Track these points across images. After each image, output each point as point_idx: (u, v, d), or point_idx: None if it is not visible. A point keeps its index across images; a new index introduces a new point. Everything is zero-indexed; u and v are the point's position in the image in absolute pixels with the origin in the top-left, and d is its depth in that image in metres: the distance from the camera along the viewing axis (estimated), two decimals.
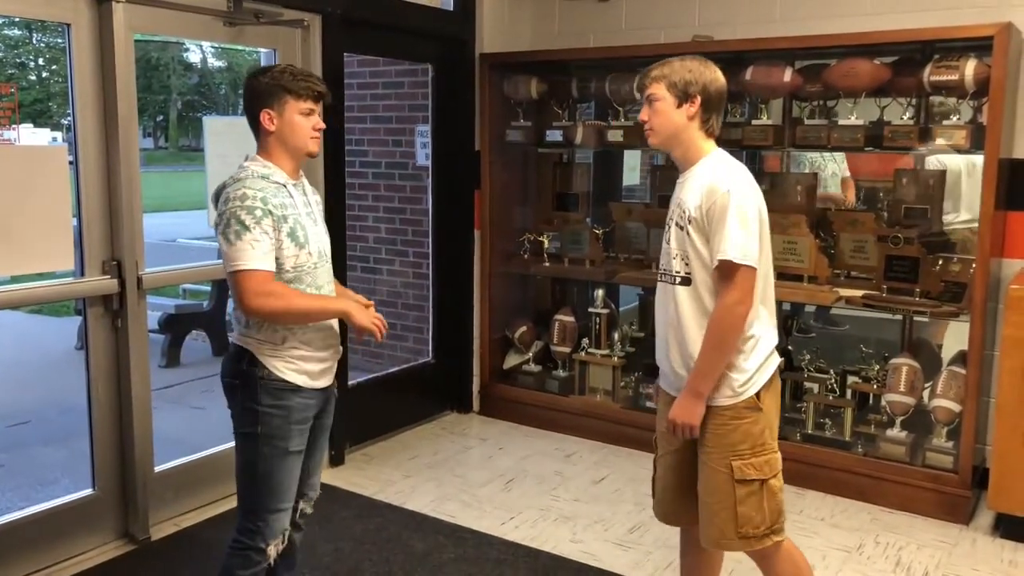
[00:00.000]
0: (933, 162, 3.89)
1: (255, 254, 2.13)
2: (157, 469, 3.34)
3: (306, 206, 2.31)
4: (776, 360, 2.29)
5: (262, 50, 3.75)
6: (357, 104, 5.27)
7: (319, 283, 2.30)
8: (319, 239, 2.32)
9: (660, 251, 2.36)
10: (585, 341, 4.52)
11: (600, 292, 4.48)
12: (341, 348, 2.43)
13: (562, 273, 4.67)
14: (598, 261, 4.51)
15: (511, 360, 4.83)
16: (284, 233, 2.19)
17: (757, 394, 2.23)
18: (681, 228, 2.23)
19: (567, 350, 4.57)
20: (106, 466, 3.19)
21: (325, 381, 2.35)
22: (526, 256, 4.71)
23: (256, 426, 2.23)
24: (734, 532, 2.24)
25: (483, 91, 4.53)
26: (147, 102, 22.51)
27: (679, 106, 2.21)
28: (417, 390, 4.68)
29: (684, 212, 2.21)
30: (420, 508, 3.57)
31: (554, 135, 4.51)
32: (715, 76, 2.24)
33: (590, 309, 4.52)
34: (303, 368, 2.27)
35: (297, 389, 2.26)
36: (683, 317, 2.24)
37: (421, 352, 5.00)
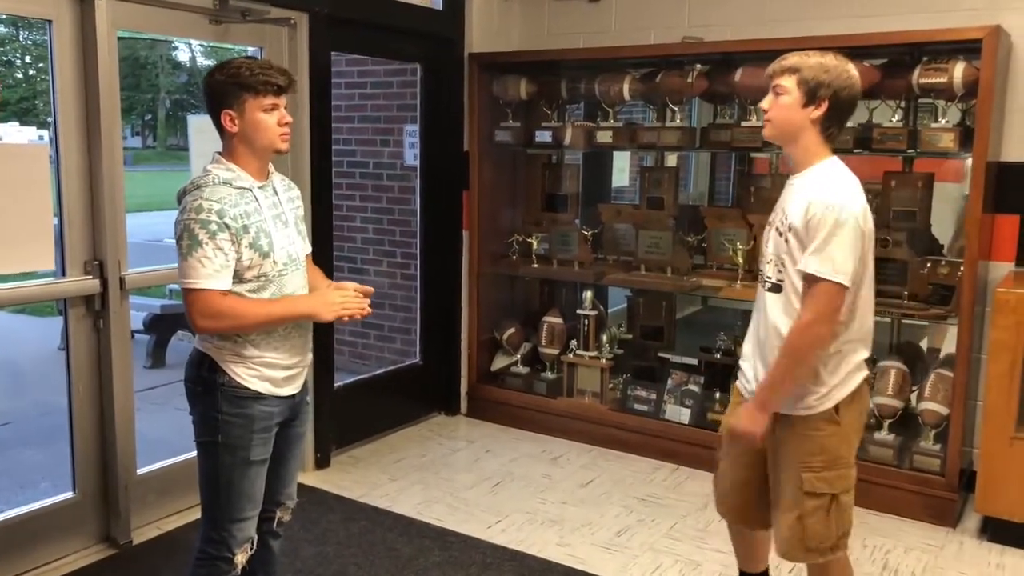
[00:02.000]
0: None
1: (205, 272, 2.04)
2: (140, 472, 3.30)
3: (275, 208, 2.21)
4: (861, 375, 2.22)
5: (250, 48, 3.71)
6: (345, 104, 5.23)
7: (286, 291, 2.21)
8: (288, 244, 2.22)
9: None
10: (573, 343, 4.50)
11: (588, 294, 4.47)
12: (310, 355, 2.36)
13: (550, 274, 4.65)
14: (587, 263, 4.49)
15: (499, 362, 4.80)
16: (245, 244, 2.09)
17: (836, 407, 2.17)
18: (780, 234, 2.17)
19: (555, 352, 4.55)
20: (87, 469, 3.15)
21: (291, 389, 2.26)
22: (514, 257, 4.68)
23: (216, 435, 2.16)
24: (800, 544, 2.21)
25: (472, 91, 4.50)
26: (135, 101, 22.37)
27: (804, 106, 2.11)
28: (404, 392, 4.65)
29: (787, 219, 2.15)
30: (406, 511, 3.54)
31: (543, 136, 4.49)
32: (851, 81, 2.11)
33: (578, 311, 4.50)
34: (266, 375, 2.18)
35: (259, 397, 2.17)
36: (769, 324, 2.19)
37: (408, 354, 4.97)
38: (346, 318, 2.22)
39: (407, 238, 5.06)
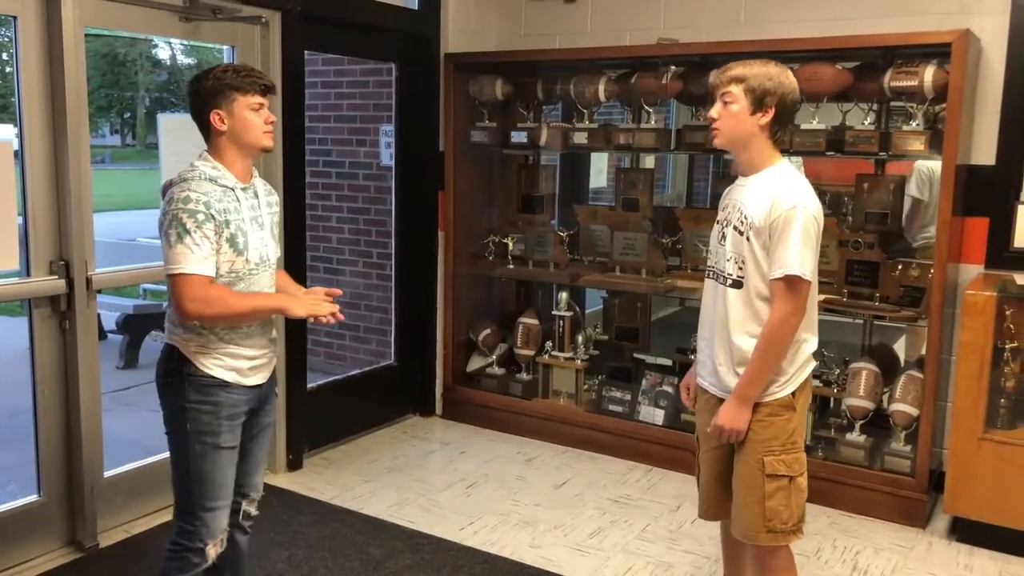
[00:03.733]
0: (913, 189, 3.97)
1: (194, 258, 2.12)
2: (107, 474, 3.26)
3: (253, 210, 2.28)
4: (813, 364, 2.34)
5: (225, 47, 3.68)
6: (321, 103, 5.21)
7: (254, 289, 2.27)
8: (262, 245, 2.29)
9: (710, 247, 2.38)
10: (549, 344, 4.50)
11: (564, 295, 4.47)
12: (276, 345, 2.41)
13: (526, 276, 4.65)
14: (563, 264, 4.49)
15: (475, 363, 4.79)
16: (224, 238, 2.17)
17: (793, 393, 2.28)
18: (741, 233, 2.24)
19: (531, 353, 4.54)
20: (52, 471, 3.10)
21: (258, 378, 2.32)
22: (490, 258, 4.67)
23: (185, 423, 2.21)
24: (762, 525, 2.29)
25: (448, 91, 4.49)
26: (114, 99, 22.17)
27: (752, 113, 2.20)
28: (379, 393, 4.63)
29: (746, 218, 2.22)
30: (378, 513, 3.52)
31: (519, 136, 4.47)
32: (794, 87, 2.23)
33: (554, 312, 4.50)
34: (231, 365, 2.24)
35: (225, 385, 2.23)
36: (732, 319, 2.27)
37: (383, 355, 4.94)
38: (314, 319, 2.30)
39: (383, 238, 5.04)
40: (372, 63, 4.89)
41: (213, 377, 2.22)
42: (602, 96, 4.22)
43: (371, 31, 4.21)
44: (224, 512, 2.29)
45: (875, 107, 3.69)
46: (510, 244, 4.58)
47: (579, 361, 4.42)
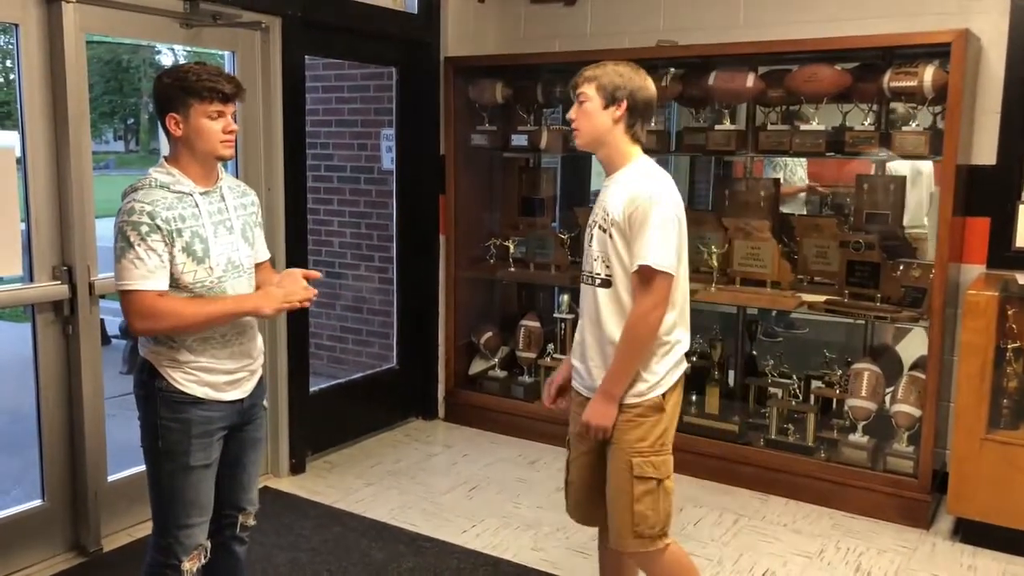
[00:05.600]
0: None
1: (138, 273, 2.03)
2: (111, 479, 3.27)
3: (219, 213, 2.19)
4: (684, 365, 2.35)
5: (226, 53, 3.69)
6: (322, 107, 5.22)
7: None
8: (231, 250, 2.19)
9: (583, 250, 2.39)
10: (551, 347, 4.50)
11: (566, 297, 4.47)
12: (260, 359, 2.33)
13: (528, 278, 4.65)
14: (564, 266, 4.49)
15: (477, 366, 4.79)
16: (178, 248, 2.08)
17: (663, 395, 2.29)
18: (604, 231, 2.27)
19: (533, 356, 4.55)
20: (56, 476, 3.11)
21: (238, 393, 2.23)
22: (492, 261, 4.68)
23: (156, 440, 2.15)
24: (630, 531, 2.28)
25: (448, 95, 4.50)
26: (118, 105, 22.22)
27: (605, 108, 2.25)
28: (381, 397, 4.63)
29: (607, 215, 2.25)
30: (381, 517, 3.53)
31: (519, 140, 4.49)
32: (644, 84, 2.28)
33: (556, 314, 4.51)
34: (205, 380, 2.16)
35: (198, 402, 2.15)
36: (603, 318, 2.28)
37: (386, 358, 4.94)
38: (288, 307, 2.19)
39: (384, 242, 5.04)
40: (372, 67, 4.90)
41: (184, 393, 2.13)
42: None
43: (371, 36, 4.22)
44: (200, 529, 2.22)
45: (874, 107, 3.69)
46: (511, 247, 4.58)
47: None
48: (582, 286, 2.39)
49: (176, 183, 2.13)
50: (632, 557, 2.38)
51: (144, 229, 2.03)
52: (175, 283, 2.09)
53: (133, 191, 2.11)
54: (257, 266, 2.33)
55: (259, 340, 2.34)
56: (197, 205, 2.14)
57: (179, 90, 2.09)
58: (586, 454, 2.42)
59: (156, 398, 2.14)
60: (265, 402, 2.40)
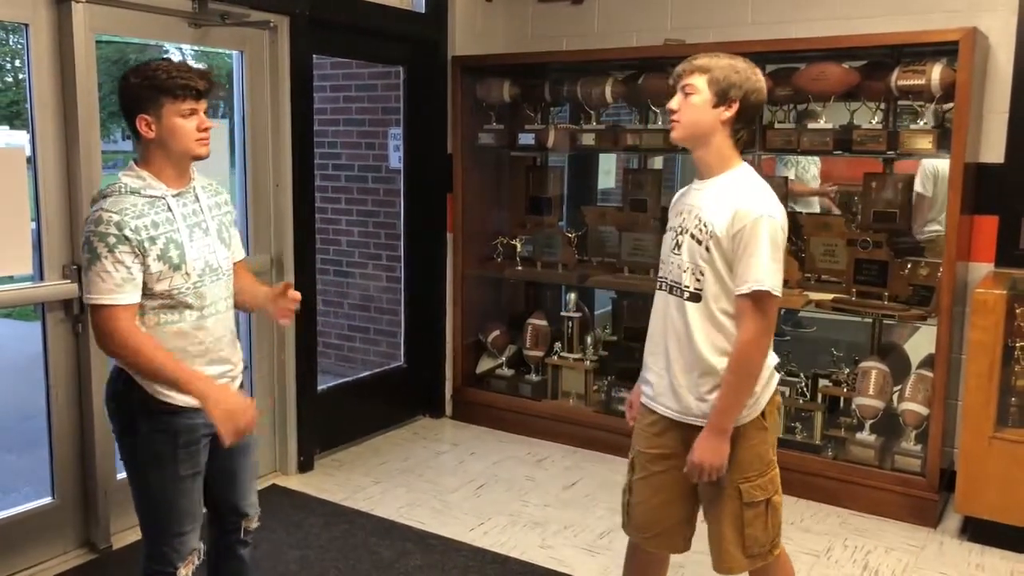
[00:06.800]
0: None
1: (105, 287, 1.95)
2: (120, 476, 3.27)
3: (194, 215, 2.11)
4: (776, 378, 2.22)
5: (234, 52, 3.71)
6: (330, 107, 5.23)
7: (206, 302, 2.11)
8: (208, 253, 2.11)
9: (662, 256, 2.22)
10: (558, 345, 4.50)
11: (573, 296, 4.47)
12: (240, 363, 2.24)
13: (535, 277, 4.65)
14: (571, 265, 4.50)
15: (484, 364, 4.80)
16: (153, 257, 1.99)
17: (763, 413, 2.16)
18: (700, 242, 2.08)
19: (540, 354, 4.55)
20: (66, 474, 3.13)
21: None
22: (499, 260, 4.68)
23: (138, 453, 2.08)
24: (741, 553, 2.19)
25: (455, 94, 4.51)
26: None
27: (715, 106, 2.05)
28: (389, 395, 4.65)
29: (706, 226, 2.07)
30: (389, 514, 3.54)
31: (527, 138, 4.49)
32: (760, 86, 2.09)
33: (563, 313, 4.51)
34: None
35: (180, 410, 2.05)
36: (696, 336, 2.11)
37: (393, 356, 4.96)
38: (224, 426, 1.99)
39: (392, 241, 5.06)
40: (380, 67, 4.91)
41: (165, 403, 2.04)
42: (609, 97, 4.22)
43: (379, 35, 4.23)
44: (193, 535, 2.16)
45: (883, 106, 3.69)
46: (518, 246, 4.59)
47: (588, 362, 4.42)
48: (658, 295, 2.21)
49: (147, 187, 2.04)
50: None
51: (112, 240, 1.94)
52: (148, 291, 2.01)
53: (102, 198, 2.02)
54: (234, 265, 2.27)
55: (239, 347, 2.26)
56: (170, 209, 2.05)
57: (150, 89, 2.00)
58: (661, 474, 2.25)
59: (133, 409, 2.06)
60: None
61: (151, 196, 2.04)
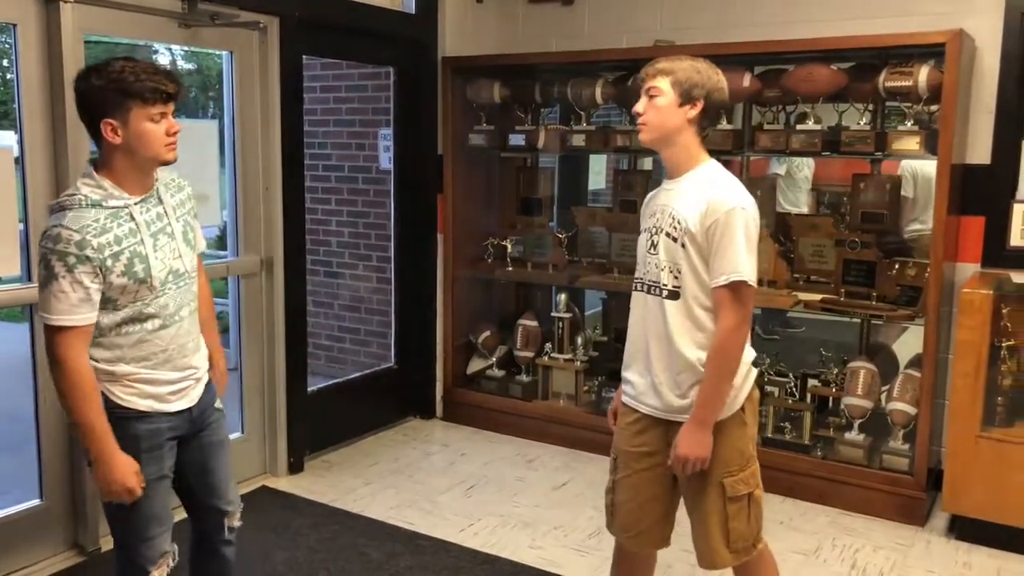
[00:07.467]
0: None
1: (62, 308, 1.87)
2: None
3: (159, 220, 2.03)
4: (754, 371, 2.25)
5: (224, 53, 3.70)
6: (320, 107, 5.23)
7: (167, 311, 2.05)
8: (172, 258, 2.04)
9: (638, 258, 2.24)
10: (548, 346, 4.51)
11: (563, 296, 4.48)
12: (205, 365, 2.19)
13: (525, 277, 4.66)
14: (561, 265, 4.50)
15: (475, 365, 4.80)
16: (116, 274, 1.92)
17: (742, 407, 2.20)
18: (675, 240, 2.12)
19: (530, 355, 4.56)
20: (54, 476, 3.12)
21: (184, 402, 2.11)
22: (489, 260, 4.68)
23: None
24: (726, 548, 2.22)
25: (446, 95, 4.51)
26: None
27: (680, 106, 2.11)
28: (379, 396, 4.64)
29: (680, 224, 2.11)
30: (379, 516, 3.53)
31: (517, 139, 4.49)
32: (722, 84, 2.15)
33: (553, 314, 4.52)
34: (147, 392, 2.03)
35: (143, 415, 2.02)
36: (674, 334, 2.14)
37: (384, 357, 4.96)
38: (109, 491, 1.99)
39: (382, 241, 5.06)
40: (370, 67, 4.91)
41: (127, 408, 2.00)
42: (599, 99, 4.23)
43: (369, 36, 4.23)
44: (163, 538, 2.12)
45: (870, 107, 3.71)
46: (509, 246, 4.59)
47: (579, 362, 4.43)
48: (637, 295, 2.24)
49: (108, 197, 1.94)
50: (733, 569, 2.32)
51: (71, 260, 1.85)
52: (112, 305, 1.96)
53: (60, 210, 1.90)
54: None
55: (203, 350, 2.22)
56: (133, 218, 1.96)
57: (116, 92, 1.88)
58: (644, 471, 2.28)
59: None
60: (219, 403, 2.27)
61: (113, 207, 1.94)
